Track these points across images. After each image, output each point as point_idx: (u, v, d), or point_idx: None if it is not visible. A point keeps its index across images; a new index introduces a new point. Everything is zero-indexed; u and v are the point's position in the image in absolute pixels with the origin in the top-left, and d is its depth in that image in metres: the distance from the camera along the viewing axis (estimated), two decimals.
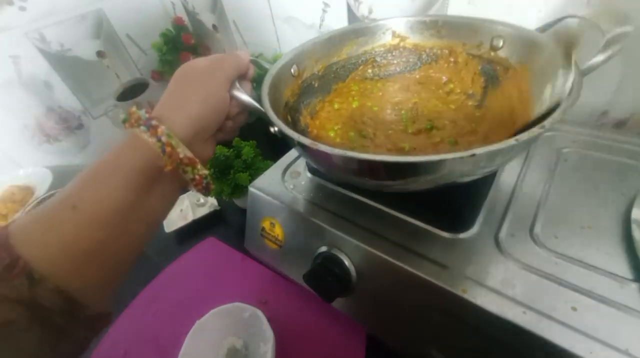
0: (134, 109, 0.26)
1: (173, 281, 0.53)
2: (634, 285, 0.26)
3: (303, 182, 0.42)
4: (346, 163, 0.26)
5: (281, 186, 0.42)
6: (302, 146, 0.27)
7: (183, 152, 0.25)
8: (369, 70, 0.46)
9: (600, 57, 0.26)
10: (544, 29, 0.35)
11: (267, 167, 0.47)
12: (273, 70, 0.37)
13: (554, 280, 0.27)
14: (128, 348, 0.45)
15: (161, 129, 0.25)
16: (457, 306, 0.28)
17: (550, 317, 0.25)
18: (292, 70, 0.40)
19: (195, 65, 0.29)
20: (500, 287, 0.27)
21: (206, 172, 0.28)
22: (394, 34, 0.44)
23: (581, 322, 0.24)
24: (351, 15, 0.59)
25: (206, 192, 0.29)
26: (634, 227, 0.29)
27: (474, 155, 0.22)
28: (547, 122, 0.23)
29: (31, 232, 0.21)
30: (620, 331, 0.23)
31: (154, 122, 0.25)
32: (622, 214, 0.31)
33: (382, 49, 0.45)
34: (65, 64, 0.75)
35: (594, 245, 0.29)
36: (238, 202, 0.60)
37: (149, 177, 0.25)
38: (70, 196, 0.23)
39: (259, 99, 0.32)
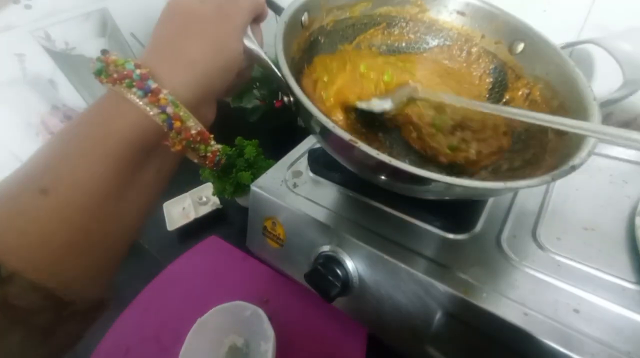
0: (113, 56, 0.19)
1: (175, 279, 0.53)
2: (637, 288, 0.26)
3: (305, 181, 0.42)
4: (376, 164, 0.23)
5: (283, 185, 0.42)
6: (326, 133, 0.24)
7: (195, 127, 0.20)
8: (379, 36, 0.42)
9: (618, 94, 0.26)
10: (565, 46, 0.34)
11: (269, 166, 0.47)
12: (285, 16, 0.32)
13: (556, 282, 0.27)
14: (130, 346, 0.46)
15: (163, 94, 0.18)
16: (458, 307, 0.28)
17: (551, 319, 0.25)
18: (302, 19, 0.35)
19: (198, 2, 0.21)
20: (502, 288, 0.27)
21: (219, 146, 0.23)
22: (414, 2, 0.40)
23: (583, 324, 0.24)
24: None
25: (217, 167, 0.24)
26: (637, 229, 0.28)
27: (514, 188, 0.22)
28: (576, 162, 0.23)
29: None
30: (622, 333, 0.23)
31: (152, 84, 0.18)
32: (626, 217, 0.31)
33: (398, 15, 0.41)
34: (70, 62, 0.75)
35: (597, 247, 0.29)
36: (240, 200, 0.60)
37: (143, 150, 0.19)
38: (38, 178, 0.17)
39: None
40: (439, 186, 0.23)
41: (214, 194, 0.57)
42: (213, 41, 0.21)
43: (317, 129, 0.26)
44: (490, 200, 0.35)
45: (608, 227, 0.30)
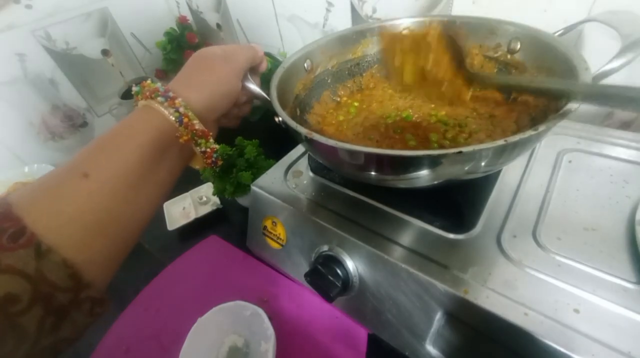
0: (148, 81, 0.27)
1: (175, 279, 0.53)
2: (637, 288, 0.26)
3: (305, 181, 0.42)
4: (341, 154, 0.27)
5: (283, 185, 0.42)
6: (302, 136, 0.28)
7: (198, 124, 0.27)
8: (384, 69, 0.46)
9: (615, 63, 0.26)
10: (563, 32, 0.34)
11: (269, 166, 0.47)
12: (286, 63, 0.37)
13: (557, 282, 0.27)
14: (130, 345, 0.46)
15: (178, 100, 0.26)
16: (458, 306, 0.28)
17: (552, 319, 0.25)
18: (305, 65, 0.40)
19: (212, 51, 0.30)
20: (502, 288, 0.27)
21: (217, 146, 0.29)
22: None
23: (583, 324, 0.24)
24: (355, 14, 0.59)
25: (215, 165, 0.30)
26: (638, 229, 0.28)
27: (460, 152, 0.22)
28: (541, 126, 0.23)
29: (38, 200, 0.21)
30: (622, 334, 0.23)
31: (171, 94, 0.26)
32: (626, 216, 0.31)
33: None
34: (70, 62, 0.75)
35: (598, 247, 0.29)
36: (240, 200, 0.60)
37: (160, 149, 0.25)
38: (81, 164, 0.22)
39: (268, 95, 0.33)
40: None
41: (214, 194, 0.57)
42: (218, 75, 0.29)
43: (303, 140, 0.29)
44: (490, 200, 0.34)
45: (608, 227, 0.30)
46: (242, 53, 0.31)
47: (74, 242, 0.20)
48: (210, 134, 0.28)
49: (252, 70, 0.34)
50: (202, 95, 0.28)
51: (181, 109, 0.25)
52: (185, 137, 0.26)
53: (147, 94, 0.26)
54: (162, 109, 0.25)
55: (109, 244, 0.23)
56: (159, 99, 0.25)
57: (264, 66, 0.35)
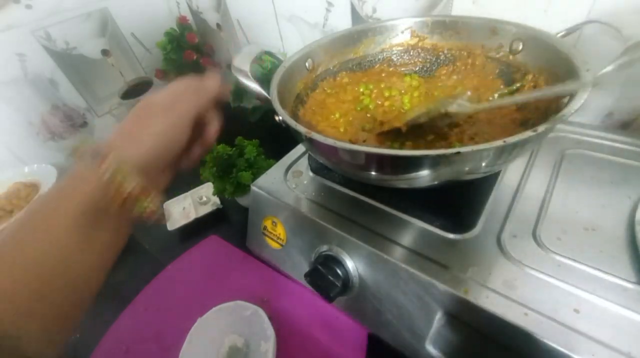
0: (87, 139, 0.26)
1: (175, 279, 0.53)
2: (637, 288, 0.26)
3: (305, 181, 0.42)
4: (341, 153, 0.27)
5: (283, 185, 0.42)
6: (302, 135, 0.28)
7: (133, 181, 0.24)
8: (385, 68, 0.46)
9: (618, 65, 0.26)
10: (566, 34, 0.34)
11: (269, 166, 0.47)
12: (287, 62, 0.38)
13: (557, 282, 0.27)
14: (130, 345, 0.46)
15: (109, 160, 0.24)
16: (458, 306, 0.28)
17: (552, 319, 0.25)
18: (306, 64, 0.40)
19: (155, 99, 0.29)
20: (502, 288, 0.27)
21: (157, 207, 0.26)
22: (413, 34, 0.44)
23: (583, 324, 0.24)
24: (355, 14, 0.59)
25: (158, 222, 0.28)
26: (638, 229, 0.28)
27: (458, 153, 0.22)
28: (540, 127, 0.23)
29: None
30: (622, 334, 0.23)
31: (102, 152, 0.24)
32: (626, 216, 0.31)
33: (400, 48, 0.45)
34: (70, 62, 0.75)
35: (598, 247, 0.29)
36: (240, 200, 0.60)
37: (94, 216, 0.24)
38: (8, 249, 0.22)
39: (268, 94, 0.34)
40: (386, 162, 0.25)
41: (214, 194, 0.57)
42: (160, 124, 0.27)
43: (303, 139, 0.29)
44: (490, 199, 0.34)
45: (608, 227, 0.30)
46: (187, 100, 0.29)
47: (15, 316, 0.20)
48: (150, 190, 0.25)
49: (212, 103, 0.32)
50: (143, 149, 0.26)
51: (109, 171, 0.24)
52: (117, 202, 0.24)
53: (80, 152, 0.24)
54: (91, 173, 0.24)
55: (45, 322, 0.22)
56: (89, 160, 0.24)
57: (226, 98, 0.33)
